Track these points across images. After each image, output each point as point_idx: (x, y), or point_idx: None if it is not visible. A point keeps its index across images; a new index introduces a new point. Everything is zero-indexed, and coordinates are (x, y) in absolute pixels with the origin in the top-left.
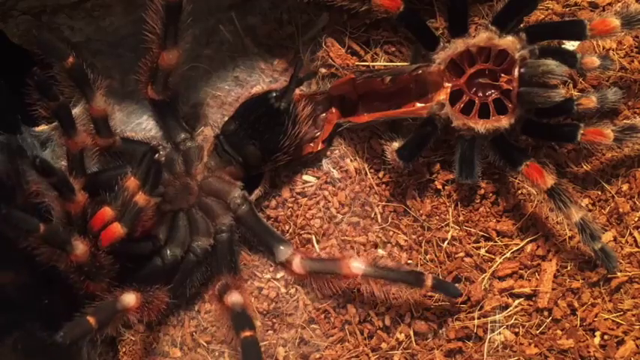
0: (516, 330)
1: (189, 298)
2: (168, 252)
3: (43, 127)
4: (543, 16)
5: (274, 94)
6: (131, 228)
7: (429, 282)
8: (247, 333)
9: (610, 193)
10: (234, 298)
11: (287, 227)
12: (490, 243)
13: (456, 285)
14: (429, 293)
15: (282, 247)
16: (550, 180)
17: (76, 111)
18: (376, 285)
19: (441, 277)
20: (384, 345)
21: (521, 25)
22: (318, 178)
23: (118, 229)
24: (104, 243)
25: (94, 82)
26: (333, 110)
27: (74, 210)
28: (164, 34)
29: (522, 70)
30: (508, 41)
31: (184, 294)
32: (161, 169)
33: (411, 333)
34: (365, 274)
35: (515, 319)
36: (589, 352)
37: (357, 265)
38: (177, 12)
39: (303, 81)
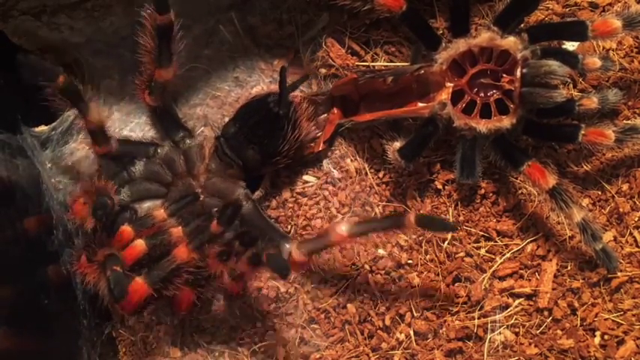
0: (516, 330)
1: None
2: None
3: (42, 128)
4: (543, 16)
5: (274, 99)
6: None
7: (412, 219)
8: None
9: (610, 193)
10: None
11: (288, 227)
12: (490, 243)
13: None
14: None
15: (287, 245)
16: (552, 180)
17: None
18: (365, 239)
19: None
20: (384, 345)
21: (522, 26)
22: (318, 178)
23: (141, 245)
24: (129, 260)
25: (85, 96)
26: (335, 111)
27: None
28: (158, 54)
29: (524, 70)
30: (510, 41)
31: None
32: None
33: (411, 333)
34: (351, 233)
35: (516, 319)
36: (589, 352)
37: (343, 228)
38: (169, 32)
39: (297, 85)
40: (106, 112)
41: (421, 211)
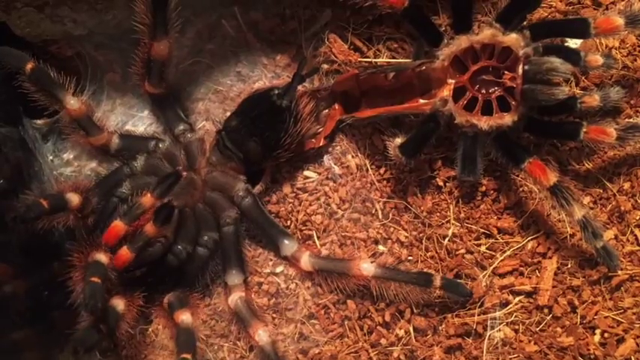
0: (516, 327)
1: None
2: (180, 248)
3: (45, 120)
4: (547, 14)
5: (276, 91)
6: (139, 253)
7: (437, 282)
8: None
9: (611, 191)
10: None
11: (288, 223)
12: (491, 240)
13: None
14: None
15: (286, 242)
16: (553, 177)
17: None
18: (384, 286)
19: (445, 276)
20: (383, 341)
21: (525, 23)
22: (319, 174)
23: (127, 253)
24: (118, 267)
25: (63, 83)
26: (336, 106)
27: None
28: (153, 24)
29: (526, 67)
30: (512, 38)
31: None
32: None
33: (411, 329)
34: (375, 275)
35: (515, 317)
36: (589, 349)
37: (367, 267)
38: (165, 1)
39: (306, 78)
40: (109, 106)
41: (422, 208)
